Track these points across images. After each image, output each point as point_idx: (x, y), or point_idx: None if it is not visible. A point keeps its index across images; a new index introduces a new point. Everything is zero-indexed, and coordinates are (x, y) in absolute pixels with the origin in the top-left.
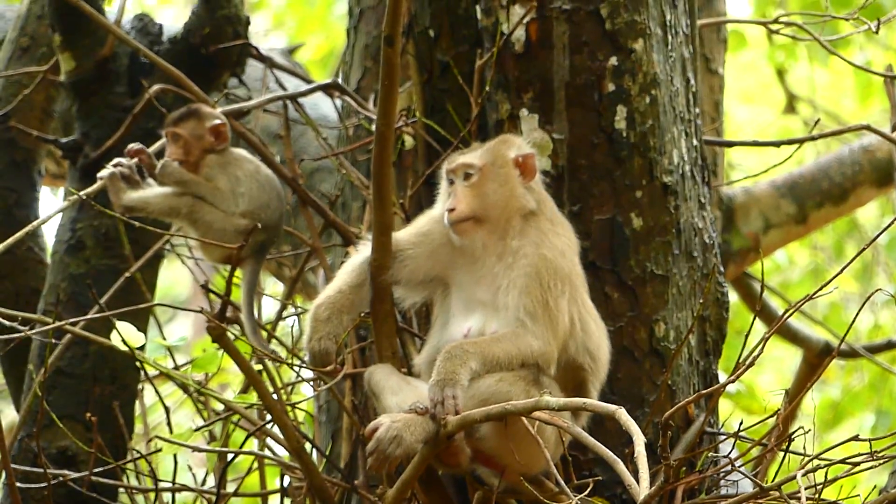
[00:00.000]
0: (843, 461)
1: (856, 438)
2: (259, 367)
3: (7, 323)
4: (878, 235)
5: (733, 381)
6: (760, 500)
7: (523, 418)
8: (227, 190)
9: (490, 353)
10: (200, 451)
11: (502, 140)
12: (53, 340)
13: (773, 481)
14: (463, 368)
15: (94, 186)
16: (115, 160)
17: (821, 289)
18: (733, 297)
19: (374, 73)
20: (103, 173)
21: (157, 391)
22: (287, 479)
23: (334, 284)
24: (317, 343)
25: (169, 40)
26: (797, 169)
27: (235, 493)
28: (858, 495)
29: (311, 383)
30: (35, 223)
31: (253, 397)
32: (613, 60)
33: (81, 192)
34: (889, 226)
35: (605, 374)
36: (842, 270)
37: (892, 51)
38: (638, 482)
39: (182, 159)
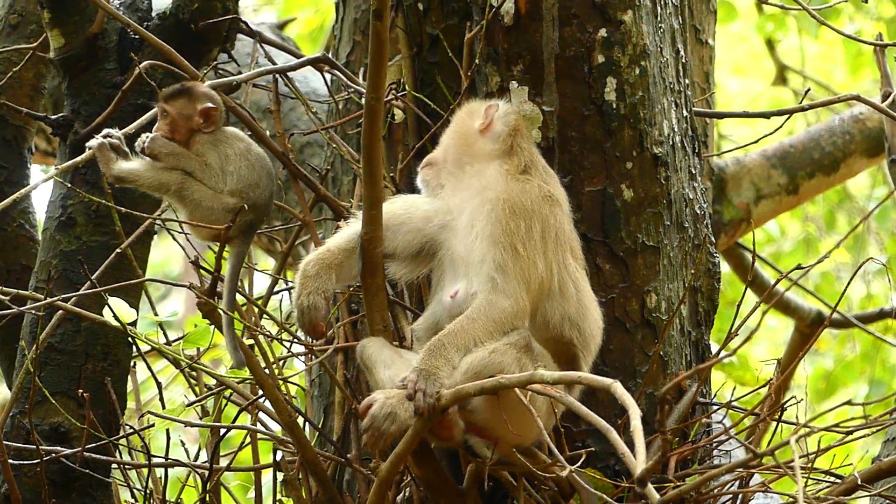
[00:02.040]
0: (835, 426)
1: (849, 403)
2: (251, 342)
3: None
4: (874, 211)
5: (731, 355)
6: (753, 468)
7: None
8: (217, 167)
9: (469, 339)
10: (193, 426)
11: (487, 100)
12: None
13: None
14: (446, 365)
15: (83, 156)
16: (105, 130)
17: (818, 262)
18: (725, 267)
19: (364, 46)
20: (92, 143)
21: (149, 367)
22: (280, 454)
23: (323, 245)
24: (305, 298)
25: (158, 16)
26: (788, 139)
27: (228, 468)
28: (851, 464)
29: (303, 357)
30: (21, 191)
31: (245, 372)
32: (603, 32)
33: (71, 162)
34: (885, 200)
35: (596, 346)
36: (838, 245)
37: (882, 20)
38: (634, 456)
39: (168, 136)
